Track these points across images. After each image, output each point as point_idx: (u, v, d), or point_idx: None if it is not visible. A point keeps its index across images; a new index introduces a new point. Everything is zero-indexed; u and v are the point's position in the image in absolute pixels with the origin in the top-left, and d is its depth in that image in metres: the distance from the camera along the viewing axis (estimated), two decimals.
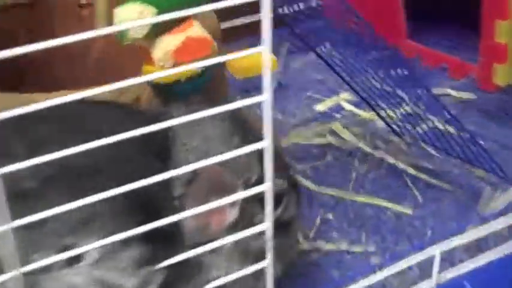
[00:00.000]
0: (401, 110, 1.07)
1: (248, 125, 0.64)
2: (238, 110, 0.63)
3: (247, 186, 0.60)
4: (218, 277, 0.61)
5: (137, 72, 0.66)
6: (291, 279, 0.81)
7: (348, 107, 1.12)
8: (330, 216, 0.93)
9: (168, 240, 0.56)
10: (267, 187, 0.57)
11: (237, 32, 1.28)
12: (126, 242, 0.53)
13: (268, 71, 0.53)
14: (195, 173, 0.58)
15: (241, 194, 0.57)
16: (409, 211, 0.92)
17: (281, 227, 0.67)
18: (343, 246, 0.87)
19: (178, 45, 0.66)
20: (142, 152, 0.57)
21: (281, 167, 0.66)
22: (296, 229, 0.69)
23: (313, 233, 0.89)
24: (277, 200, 0.66)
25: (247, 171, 0.61)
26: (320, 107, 1.12)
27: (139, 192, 0.55)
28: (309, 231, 0.90)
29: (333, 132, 1.08)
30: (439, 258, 0.78)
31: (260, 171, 0.63)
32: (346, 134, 1.06)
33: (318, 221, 0.91)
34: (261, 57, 1.19)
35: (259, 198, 0.63)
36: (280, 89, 1.22)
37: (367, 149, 1.04)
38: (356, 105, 1.12)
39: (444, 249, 0.78)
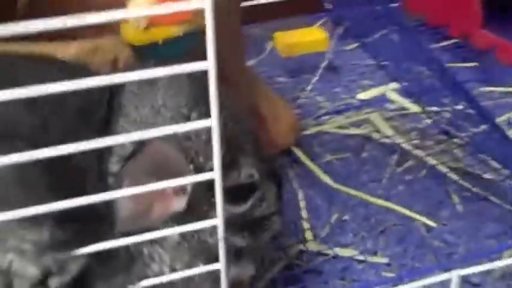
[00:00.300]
0: (456, 107, 0.94)
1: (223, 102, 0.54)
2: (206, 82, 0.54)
3: (200, 172, 0.50)
4: (161, 272, 0.52)
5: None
6: (283, 285, 0.71)
7: (395, 98, 1.00)
8: (348, 217, 0.81)
9: (93, 223, 0.48)
10: (215, 175, 0.47)
11: (290, 9, 1.18)
12: (35, 221, 0.45)
13: (212, 34, 0.43)
14: (136, 148, 0.49)
15: (186, 179, 0.47)
16: (434, 224, 0.79)
17: (253, 224, 0.57)
18: (355, 253, 0.76)
19: (153, 2, 0.57)
20: (75, 120, 0.48)
21: (255, 154, 0.56)
22: (276, 228, 0.59)
23: (324, 233, 0.78)
24: (247, 192, 0.56)
25: (202, 155, 0.51)
26: (364, 95, 1.00)
27: (62, 163, 0.47)
28: (320, 231, 0.79)
29: (373, 124, 0.95)
30: (457, 283, 0.66)
31: (224, 154, 0.53)
32: (385, 127, 0.94)
33: (331, 221, 0.80)
34: (310, 35, 1.08)
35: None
36: (328, 70, 1.10)
37: (408, 147, 0.91)
38: (405, 97, 0.99)
39: (464, 273, 0.66)
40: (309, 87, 1.06)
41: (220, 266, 0.52)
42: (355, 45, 1.15)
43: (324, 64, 1.11)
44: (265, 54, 1.14)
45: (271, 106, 0.85)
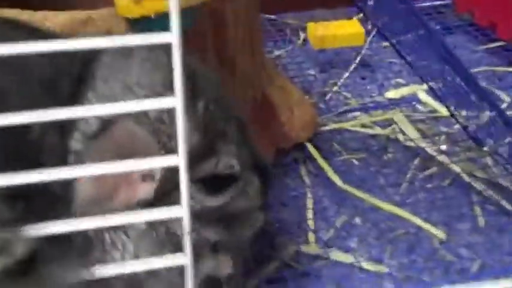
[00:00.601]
0: (490, 114, 0.87)
1: (205, 84, 0.50)
2: (189, 62, 0.50)
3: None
4: (122, 260, 0.48)
5: None
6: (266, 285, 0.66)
7: (426, 99, 0.94)
8: (358, 221, 0.76)
9: (46, 203, 0.44)
10: (180, 161, 0.44)
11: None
12: None
13: (176, 9, 0.39)
14: (102, 127, 0.45)
15: (148, 163, 0.43)
16: (449, 237, 0.73)
17: (231, 218, 0.53)
18: (358, 260, 0.71)
19: None
20: (38, 91, 0.45)
21: (239, 143, 0.51)
22: (258, 225, 0.54)
23: (327, 237, 0.74)
24: (226, 184, 0.51)
25: (176, 140, 0.47)
26: (393, 94, 0.94)
27: (18, 138, 0.44)
28: (323, 234, 0.74)
29: (398, 125, 0.90)
30: None
31: (199, 142, 0.49)
32: (411, 129, 0.88)
33: (338, 224, 0.75)
34: (346, 28, 1.03)
35: (196, 180, 0.50)
36: (362, 67, 1.05)
37: (433, 152, 0.86)
38: (436, 99, 0.92)
39: None
40: (339, 83, 1.01)
41: (186, 259, 0.48)
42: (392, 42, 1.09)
43: (357, 60, 1.06)
44: (298, 46, 1.10)
45: (286, 97, 0.80)
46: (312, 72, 1.03)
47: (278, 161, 0.82)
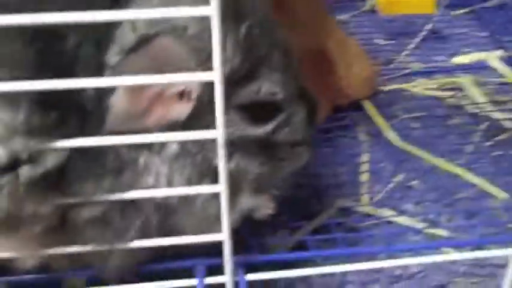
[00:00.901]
0: None
1: (250, 8, 0.48)
2: None
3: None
4: (156, 185, 0.46)
5: None
6: (318, 241, 0.63)
7: (497, 65, 0.88)
8: (415, 183, 0.72)
9: (79, 115, 0.43)
10: (215, 76, 0.41)
11: None
12: (12, 100, 0.41)
13: None
14: (140, 41, 0.44)
15: (180, 76, 0.41)
16: (504, 201, 0.69)
17: (273, 150, 0.50)
18: (412, 221, 0.67)
19: None
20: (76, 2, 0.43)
21: (284, 72, 0.49)
22: (302, 159, 0.51)
23: (381, 196, 0.70)
24: (270, 113, 0.49)
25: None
26: (460, 59, 0.89)
27: (53, 43, 0.43)
28: (378, 193, 0.71)
29: (465, 90, 0.85)
30: None
31: (240, 65, 0.46)
32: (478, 95, 0.83)
33: (393, 184, 0.72)
34: None
35: (238, 106, 0.48)
36: (431, 36, 1.00)
37: (501, 119, 0.81)
38: (509, 66, 0.87)
39: None
40: (407, 51, 0.97)
41: (220, 187, 0.46)
42: (465, 11, 1.04)
43: (427, 28, 1.01)
44: (365, 10, 1.06)
45: (345, 52, 0.77)
46: (378, 39, 0.99)
47: (335, 118, 0.79)
